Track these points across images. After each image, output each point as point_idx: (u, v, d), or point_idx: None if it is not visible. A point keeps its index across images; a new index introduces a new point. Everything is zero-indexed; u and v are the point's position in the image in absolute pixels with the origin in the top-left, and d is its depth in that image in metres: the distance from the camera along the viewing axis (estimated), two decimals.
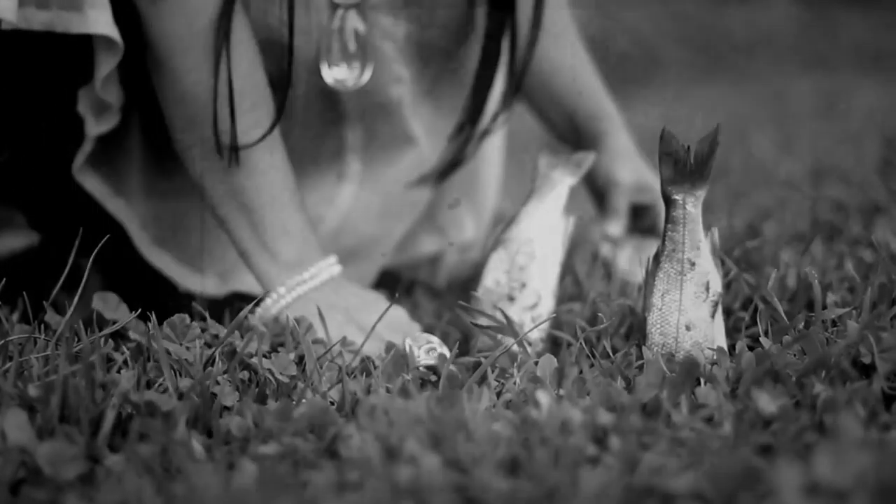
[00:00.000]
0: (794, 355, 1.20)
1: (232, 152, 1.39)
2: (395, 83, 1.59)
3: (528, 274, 1.46)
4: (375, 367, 1.29)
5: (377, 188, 1.68)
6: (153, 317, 1.25)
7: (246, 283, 1.60)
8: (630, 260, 1.65)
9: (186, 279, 1.62)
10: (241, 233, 1.43)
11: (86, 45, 1.39)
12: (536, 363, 1.25)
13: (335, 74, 1.52)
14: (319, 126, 1.61)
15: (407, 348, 1.35)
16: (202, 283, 1.62)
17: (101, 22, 1.33)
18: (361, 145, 1.63)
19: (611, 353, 1.31)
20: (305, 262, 1.42)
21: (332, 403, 1.20)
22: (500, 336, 1.39)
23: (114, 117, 1.46)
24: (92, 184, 1.54)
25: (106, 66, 1.38)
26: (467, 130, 1.59)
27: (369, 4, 1.51)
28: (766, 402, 1.06)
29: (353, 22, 1.51)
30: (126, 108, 1.49)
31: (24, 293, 1.36)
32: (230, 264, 1.63)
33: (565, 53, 1.72)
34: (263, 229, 1.41)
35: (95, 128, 1.46)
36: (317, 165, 1.64)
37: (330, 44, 1.50)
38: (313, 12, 1.49)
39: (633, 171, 1.69)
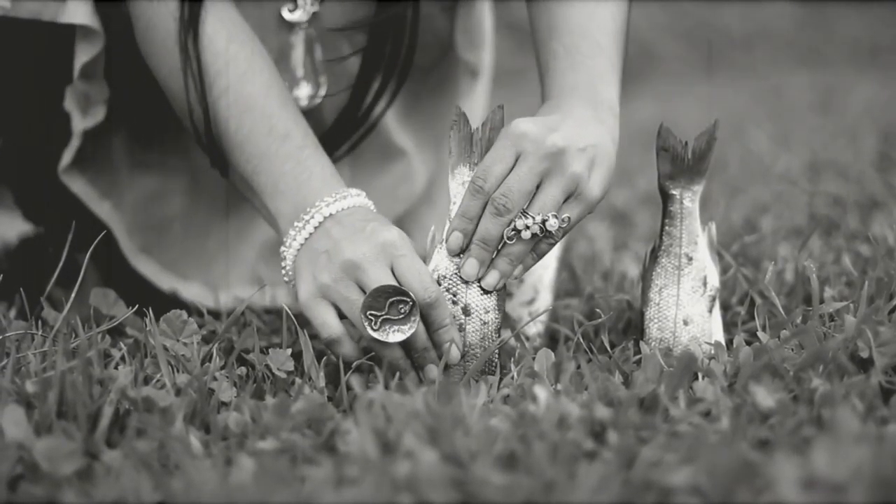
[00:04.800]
0: (792, 350, 1.20)
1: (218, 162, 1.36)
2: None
3: None
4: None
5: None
6: (150, 313, 1.25)
7: (234, 295, 1.60)
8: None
9: (172, 287, 1.62)
10: (255, 202, 1.35)
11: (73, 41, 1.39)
12: (534, 358, 1.25)
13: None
14: None
15: (359, 311, 1.18)
16: (188, 291, 1.61)
17: (79, 12, 1.35)
18: (349, 159, 1.62)
19: (608, 348, 1.31)
20: (300, 210, 1.31)
21: (329, 399, 1.20)
22: None
23: (99, 112, 1.46)
24: (78, 186, 1.54)
25: (84, 54, 1.39)
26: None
27: (327, 24, 1.48)
28: (764, 396, 1.06)
29: (307, 42, 1.50)
30: (111, 109, 1.49)
31: (21, 289, 1.35)
32: (217, 276, 1.62)
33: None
34: (262, 194, 1.33)
35: (81, 123, 1.46)
36: None
37: (284, 64, 1.49)
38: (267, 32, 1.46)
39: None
